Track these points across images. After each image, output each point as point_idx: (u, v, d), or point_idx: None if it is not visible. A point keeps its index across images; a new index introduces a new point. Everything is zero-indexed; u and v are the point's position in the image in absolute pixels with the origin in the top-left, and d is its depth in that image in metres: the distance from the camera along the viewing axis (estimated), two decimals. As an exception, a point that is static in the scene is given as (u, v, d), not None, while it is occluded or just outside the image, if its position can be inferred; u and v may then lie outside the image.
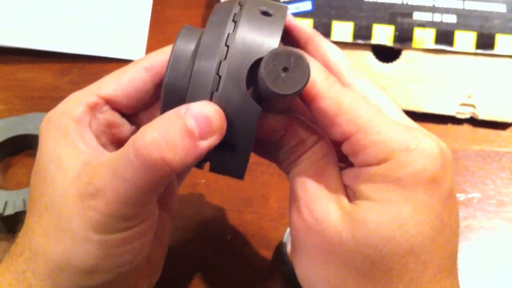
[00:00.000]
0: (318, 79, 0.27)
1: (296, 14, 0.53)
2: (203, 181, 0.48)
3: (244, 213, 0.46)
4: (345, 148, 0.27)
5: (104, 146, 0.31)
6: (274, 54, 0.25)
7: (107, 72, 0.32)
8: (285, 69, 0.25)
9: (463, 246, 0.45)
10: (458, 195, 0.47)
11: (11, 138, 0.47)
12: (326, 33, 0.52)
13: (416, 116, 0.50)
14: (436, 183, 0.26)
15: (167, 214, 0.36)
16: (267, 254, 0.44)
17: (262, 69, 0.25)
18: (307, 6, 0.53)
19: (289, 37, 0.32)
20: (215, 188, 0.48)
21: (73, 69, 0.56)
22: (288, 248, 0.43)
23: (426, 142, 0.26)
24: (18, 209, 0.42)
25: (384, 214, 0.26)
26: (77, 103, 0.30)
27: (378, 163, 0.26)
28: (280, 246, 0.43)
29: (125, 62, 0.55)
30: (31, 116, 0.48)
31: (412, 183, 0.26)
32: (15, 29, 0.57)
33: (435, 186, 0.26)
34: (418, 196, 0.26)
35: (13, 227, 0.42)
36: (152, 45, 0.58)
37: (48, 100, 0.54)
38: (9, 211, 0.42)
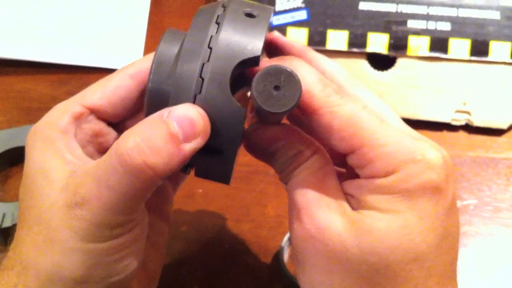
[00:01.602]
0: (316, 91, 0.27)
1: (292, 24, 0.53)
2: (200, 190, 0.48)
3: (242, 222, 0.47)
4: (350, 160, 0.27)
5: (91, 156, 0.31)
6: (264, 73, 0.25)
7: None
8: (276, 88, 0.25)
9: (460, 252, 0.45)
10: (454, 201, 0.48)
11: (9, 149, 0.47)
12: (322, 41, 0.52)
13: (412, 123, 0.49)
14: (440, 192, 0.26)
15: (164, 221, 0.36)
16: (265, 262, 0.44)
17: (253, 89, 0.25)
18: (302, 15, 0.53)
19: (281, 54, 0.32)
20: (212, 197, 0.48)
21: (71, 79, 0.57)
22: (285, 256, 0.43)
23: (431, 153, 0.26)
24: (17, 221, 0.42)
25: (390, 223, 0.26)
26: (62, 113, 0.30)
27: (385, 175, 0.26)
28: (278, 255, 0.43)
29: (123, 72, 0.55)
30: (29, 128, 0.48)
31: (418, 194, 0.26)
32: (12, 41, 0.57)
33: (439, 196, 0.26)
34: (423, 206, 0.26)
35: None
36: (149, 55, 0.59)
37: (46, 111, 0.53)
38: (7, 223, 0.42)
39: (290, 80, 0.25)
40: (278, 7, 0.53)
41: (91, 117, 0.31)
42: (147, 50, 0.59)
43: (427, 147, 0.26)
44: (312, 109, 0.27)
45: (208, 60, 0.26)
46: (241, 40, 0.27)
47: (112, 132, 0.33)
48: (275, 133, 0.29)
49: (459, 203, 0.48)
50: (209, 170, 0.29)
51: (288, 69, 0.25)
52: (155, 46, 0.61)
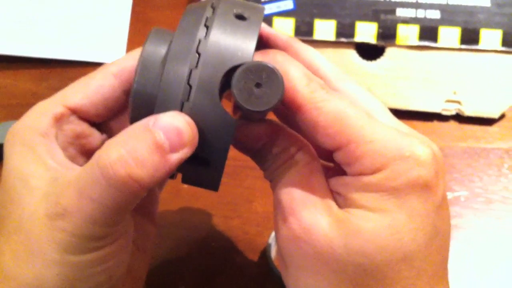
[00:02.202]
0: (300, 87, 0.26)
1: (278, 14, 0.52)
2: (186, 186, 0.47)
3: (229, 218, 0.46)
4: (337, 157, 0.27)
5: (73, 158, 0.30)
6: (245, 70, 0.24)
7: None
8: (257, 85, 0.24)
9: (451, 245, 0.44)
10: (445, 193, 0.47)
11: (-12, 148, 0.46)
12: (309, 32, 0.51)
13: (402, 114, 0.49)
14: (430, 190, 0.25)
15: (150, 223, 0.35)
16: (253, 259, 0.43)
17: (233, 87, 0.24)
18: (288, 4, 0.52)
19: (265, 46, 0.31)
20: (198, 193, 0.47)
21: (52, 74, 0.55)
22: (273, 253, 0.42)
23: (420, 148, 0.25)
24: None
25: (378, 223, 0.25)
26: (42, 115, 0.29)
27: (373, 172, 0.25)
28: (266, 252, 0.42)
29: (105, 66, 0.54)
30: (8, 124, 0.47)
31: (407, 191, 0.25)
32: (-9, 35, 0.55)
33: (429, 193, 0.25)
34: (412, 204, 0.25)
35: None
36: (132, 48, 0.57)
37: (27, 107, 0.51)
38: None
39: (272, 77, 0.24)
40: (264, -4, 0.52)
41: (73, 118, 0.30)
42: (130, 43, 0.57)
43: (416, 143, 0.26)
44: (296, 106, 0.26)
45: (196, 66, 0.25)
46: (231, 45, 0.25)
47: (95, 133, 0.31)
48: (258, 131, 0.28)
49: (450, 195, 0.47)
50: (196, 178, 0.28)
51: (270, 65, 0.24)
52: (138, 39, 0.60)
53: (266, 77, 0.24)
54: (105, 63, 0.31)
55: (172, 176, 0.29)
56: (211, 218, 0.46)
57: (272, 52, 0.27)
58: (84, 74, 0.31)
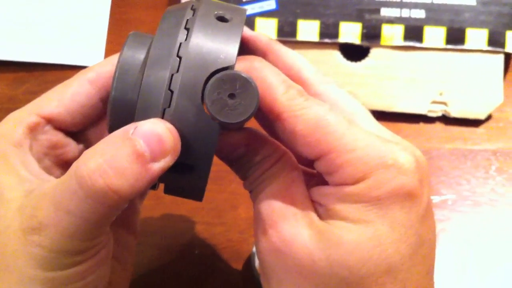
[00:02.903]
0: (278, 94, 0.25)
1: (260, 14, 0.50)
2: (160, 185, 0.46)
3: (212, 225, 0.45)
4: (318, 167, 0.26)
5: (48, 170, 0.29)
6: (218, 80, 0.23)
7: (65, 79, 0.30)
8: (231, 95, 0.23)
9: (439, 250, 0.43)
10: (432, 197, 0.46)
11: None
12: (292, 32, 0.50)
13: (387, 116, 0.49)
14: (413, 199, 0.25)
15: (131, 235, 0.34)
16: (238, 267, 0.43)
17: (206, 99, 0.23)
18: (271, 4, 0.51)
19: (245, 49, 0.30)
20: (180, 199, 0.45)
21: (30, 78, 0.54)
22: (257, 262, 0.41)
23: (403, 156, 0.25)
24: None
25: (360, 234, 0.24)
26: (15, 124, 0.28)
27: (355, 182, 0.24)
28: (250, 261, 0.41)
29: (84, 68, 0.53)
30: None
31: (389, 201, 0.24)
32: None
33: (413, 202, 0.25)
34: (396, 214, 0.24)
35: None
36: (111, 49, 0.56)
37: (3, 112, 0.49)
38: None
39: (246, 87, 0.23)
40: (246, -4, 0.51)
41: (48, 127, 0.29)
42: (109, 44, 0.56)
43: (398, 151, 0.25)
44: (274, 114, 0.25)
45: (177, 71, 0.24)
46: (213, 48, 0.24)
47: (71, 143, 0.30)
48: (235, 139, 0.27)
49: (437, 198, 0.46)
50: (180, 188, 0.27)
51: (244, 75, 0.23)
52: (117, 40, 0.58)
53: (240, 87, 0.23)
54: (82, 69, 0.30)
55: (153, 186, 0.28)
56: (194, 225, 0.45)
57: (249, 58, 0.26)
58: (62, 77, 0.30)
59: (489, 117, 0.50)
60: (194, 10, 0.26)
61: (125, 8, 0.58)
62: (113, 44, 0.56)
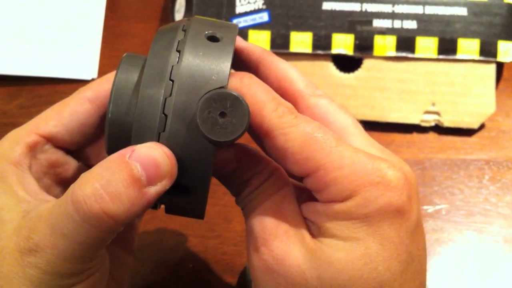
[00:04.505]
0: (268, 112, 0.25)
1: (253, 26, 0.51)
2: (161, 206, 0.46)
3: (206, 238, 0.45)
4: (308, 184, 0.26)
5: (47, 188, 0.29)
6: (208, 99, 0.23)
7: (59, 93, 0.30)
8: (222, 114, 0.23)
9: (433, 261, 0.43)
10: (425, 207, 0.46)
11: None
12: (285, 44, 0.50)
13: (380, 126, 0.49)
14: (402, 215, 0.24)
15: (127, 253, 0.34)
16: (232, 280, 0.42)
17: (196, 117, 0.23)
18: (263, 17, 0.51)
19: (239, 60, 0.30)
20: (175, 213, 0.45)
21: (22, 92, 0.53)
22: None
23: (391, 173, 0.25)
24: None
25: (350, 253, 0.24)
26: (14, 144, 0.28)
27: (343, 200, 0.24)
28: (245, 275, 0.41)
29: (77, 82, 0.53)
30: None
31: (378, 218, 0.24)
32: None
33: (402, 219, 0.24)
34: (385, 232, 0.24)
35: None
36: (105, 63, 0.56)
37: None
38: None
39: (236, 105, 0.23)
40: (239, 9, 0.51)
41: (47, 146, 0.29)
42: (102, 58, 0.56)
43: (385, 168, 0.25)
44: (264, 132, 0.25)
45: (170, 95, 0.24)
46: (205, 69, 0.25)
47: (70, 161, 0.31)
48: (226, 156, 0.27)
49: (430, 208, 0.46)
50: (180, 208, 0.28)
51: (234, 93, 0.23)
52: (111, 53, 0.58)
53: (231, 105, 0.23)
54: (75, 82, 0.30)
55: (154, 206, 0.28)
56: (188, 238, 0.45)
57: (239, 74, 0.26)
58: (55, 91, 0.30)
59: (481, 127, 0.50)
60: (185, 30, 0.26)
61: (118, 21, 0.58)
62: (107, 57, 0.57)
